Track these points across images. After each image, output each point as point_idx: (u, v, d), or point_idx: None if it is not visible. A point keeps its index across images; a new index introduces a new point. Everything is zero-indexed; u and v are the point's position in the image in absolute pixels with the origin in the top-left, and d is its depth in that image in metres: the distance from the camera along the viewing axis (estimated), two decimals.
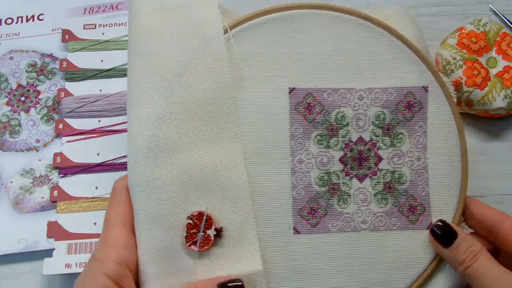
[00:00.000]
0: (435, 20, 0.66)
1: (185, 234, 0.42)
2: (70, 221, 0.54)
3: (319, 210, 0.45)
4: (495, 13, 0.66)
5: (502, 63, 0.59)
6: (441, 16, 0.66)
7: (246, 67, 0.45)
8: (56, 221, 0.54)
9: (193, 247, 0.42)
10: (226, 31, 0.45)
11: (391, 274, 0.45)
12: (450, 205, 0.46)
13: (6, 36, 0.63)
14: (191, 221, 0.42)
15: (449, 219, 0.46)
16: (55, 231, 0.53)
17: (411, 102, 0.47)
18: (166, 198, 0.42)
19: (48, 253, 0.53)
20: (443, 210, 0.46)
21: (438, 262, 0.46)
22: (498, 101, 0.56)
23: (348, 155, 0.46)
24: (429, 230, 0.45)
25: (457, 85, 0.57)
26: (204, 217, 0.42)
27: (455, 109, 0.47)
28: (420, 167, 0.46)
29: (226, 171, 0.43)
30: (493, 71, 0.59)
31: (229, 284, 0.40)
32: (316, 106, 0.46)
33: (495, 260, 0.43)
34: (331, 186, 0.45)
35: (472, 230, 0.47)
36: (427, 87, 0.47)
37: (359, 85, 0.46)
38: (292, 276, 0.44)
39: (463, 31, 0.60)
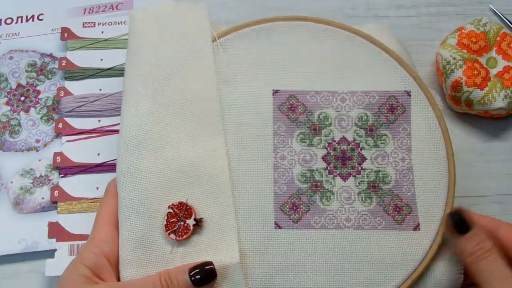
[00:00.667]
0: (435, 20, 0.66)
1: (165, 223, 0.43)
2: (71, 221, 0.54)
3: (301, 206, 0.45)
4: (495, 13, 0.66)
5: (502, 63, 0.59)
6: (441, 16, 0.66)
7: (231, 71, 0.48)
8: (57, 222, 0.54)
9: (172, 235, 0.43)
10: (214, 40, 0.49)
11: (376, 275, 0.44)
12: (438, 206, 0.45)
13: (6, 36, 0.63)
14: (171, 210, 0.44)
15: (436, 220, 0.45)
16: (56, 232, 0.54)
17: (393, 105, 0.48)
18: (149, 188, 0.44)
19: (49, 253, 0.53)
20: (431, 211, 0.45)
21: (428, 265, 0.44)
22: (498, 101, 0.56)
23: (331, 154, 0.47)
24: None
25: (457, 85, 0.57)
26: (184, 206, 0.44)
27: (440, 114, 0.48)
28: (405, 168, 0.46)
29: (209, 165, 0.45)
30: (493, 71, 0.59)
31: (199, 271, 0.40)
32: (299, 107, 0.47)
33: (505, 261, 0.41)
34: (313, 183, 0.46)
35: None
36: (410, 92, 0.48)
37: (341, 88, 0.48)
38: (271, 271, 0.43)
39: (463, 31, 0.59)
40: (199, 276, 0.41)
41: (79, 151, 0.57)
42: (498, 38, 0.60)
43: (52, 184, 0.56)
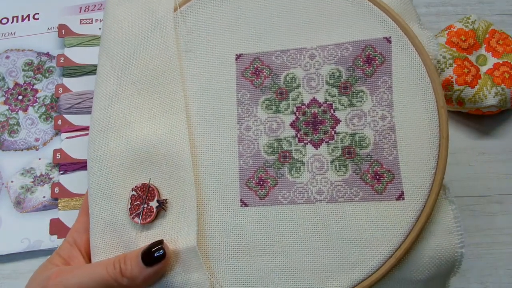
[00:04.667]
0: (435, 20, 0.65)
1: (129, 206, 0.42)
2: (73, 218, 0.52)
3: (268, 180, 0.41)
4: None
5: (492, 60, 0.58)
6: (441, 16, 0.65)
7: (193, 40, 0.45)
8: (58, 219, 0.55)
9: (136, 219, 0.42)
10: (176, 9, 0.46)
11: (352, 254, 0.38)
12: (426, 170, 0.38)
13: (2, 36, 0.63)
14: (135, 193, 0.42)
15: (425, 187, 0.38)
16: (58, 228, 0.54)
17: (370, 56, 0.41)
18: (114, 171, 0.43)
19: (52, 252, 0.52)
20: (417, 176, 0.38)
21: (414, 240, 0.38)
22: (490, 99, 0.55)
23: (301, 119, 0.41)
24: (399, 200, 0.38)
25: (448, 84, 0.56)
26: (147, 188, 0.42)
27: (429, 61, 0.40)
28: (385, 127, 0.40)
29: (170, 143, 0.43)
30: (483, 69, 0.58)
31: (151, 251, 0.39)
32: (264, 70, 0.43)
33: None
34: (281, 153, 0.41)
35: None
36: (390, 37, 0.41)
37: (310, 43, 0.42)
38: (238, 253, 0.40)
39: (452, 29, 0.59)
40: (149, 255, 0.39)
41: (79, 147, 0.57)
42: (487, 36, 0.59)
43: (53, 182, 0.56)
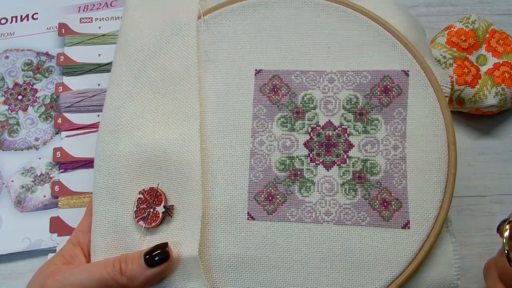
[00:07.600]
0: (435, 20, 0.64)
1: (134, 209, 0.42)
2: (73, 216, 0.54)
3: (278, 196, 0.42)
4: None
5: (492, 60, 0.58)
6: (441, 16, 0.65)
7: (214, 50, 0.45)
8: (58, 217, 0.54)
9: (141, 222, 0.42)
10: (199, 18, 0.46)
11: (355, 276, 0.39)
12: (432, 203, 0.40)
13: (1, 36, 0.62)
14: (142, 196, 0.42)
15: (430, 219, 0.40)
16: (58, 226, 0.54)
17: (388, 87, 0.42)
18: (122, 172, 0.43)
19: (53, 251, 0.53)
20: (424, 207, 0.40)
21: (417, 268, 0.39)
22: (490, 99, 0.55)
23: (315, 140, 0.42)
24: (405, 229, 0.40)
25: None
26: (155, 193, 0.42)
27: (442, 97, 0.41)
28: (397, 157, 0.41)
29: (181, 150, 0.43)
30: (484, 69, 0.57)
31: (154, 253, 0.39)
32: (282, 88, 0.43)
33: None
34: (293, 171, 0.42)
35: None
36: (408, 71, 0.42)
37: (330, 67, 0.43)
38: (241, 265, 0.41)
39: (452, 29, 0.58)
40: (152, 256, 0.39)
41: (79, 146, 0.56)
42: (487, 35, 0.59)
43: (53, 180, 0.55)
